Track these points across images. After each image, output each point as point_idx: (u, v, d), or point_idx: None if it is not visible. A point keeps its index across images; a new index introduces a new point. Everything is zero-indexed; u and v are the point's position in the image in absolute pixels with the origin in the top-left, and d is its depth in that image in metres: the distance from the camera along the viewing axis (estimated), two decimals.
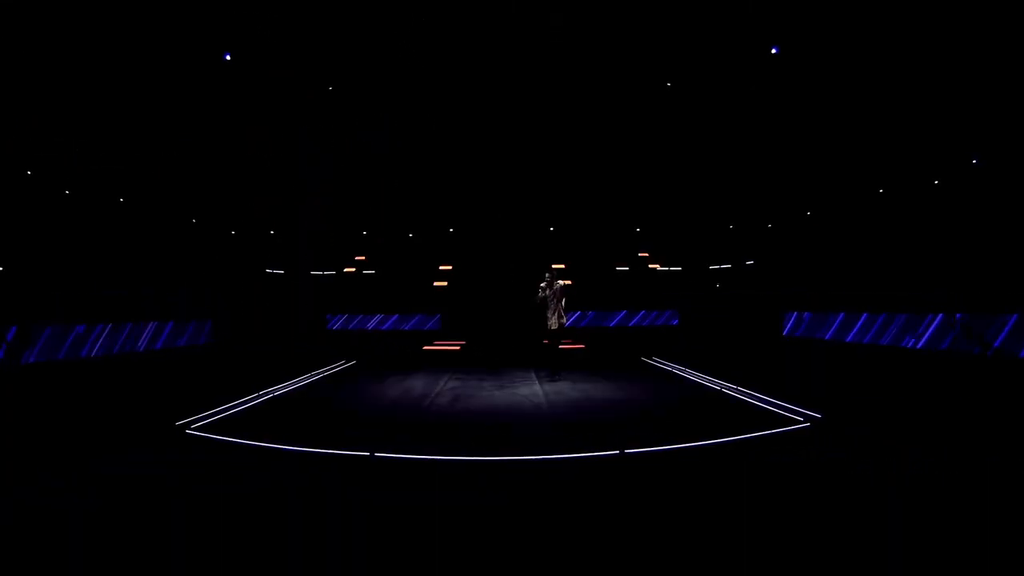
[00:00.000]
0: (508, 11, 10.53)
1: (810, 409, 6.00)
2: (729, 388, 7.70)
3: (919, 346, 12.13)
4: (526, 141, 16.36)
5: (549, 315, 9.13)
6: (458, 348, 15.76)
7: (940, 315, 11.84)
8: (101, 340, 12.97)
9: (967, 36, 10.30)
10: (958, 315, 11.48)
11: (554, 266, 10.08)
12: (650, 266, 21.85)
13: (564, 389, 8.02)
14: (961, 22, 10.03)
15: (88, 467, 4.41)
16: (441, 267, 22.09)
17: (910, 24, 10.48)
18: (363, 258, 22.50)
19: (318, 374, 9.75)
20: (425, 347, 15.87)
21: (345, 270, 22.40)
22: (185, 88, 11.41)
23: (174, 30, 9.35)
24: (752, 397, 6.99)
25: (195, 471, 4.35)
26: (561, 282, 9.10)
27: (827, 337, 15.08)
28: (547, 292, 9.09)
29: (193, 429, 5.61)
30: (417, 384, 8.63)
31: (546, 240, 21.82)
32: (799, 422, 5.63)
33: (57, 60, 9.78)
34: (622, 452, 4.62)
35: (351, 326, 21.38)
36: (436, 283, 21.79)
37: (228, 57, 10.01)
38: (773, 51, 11.10)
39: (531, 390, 8.00)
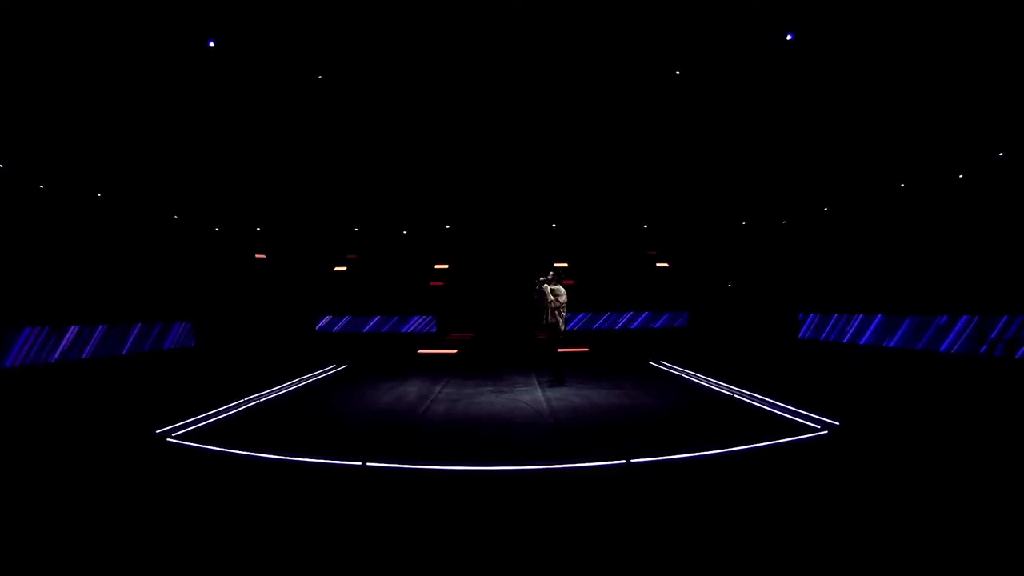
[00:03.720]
0: None
1: (828, 417, 5.61)
2: (742, 394, 7.27)
3: (955, 350, 11.44)
4: (527, 133, 15.81)
5: (548, 316, 8.63)
6: (455, 351, 15.25)
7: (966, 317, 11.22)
8: (68, 344, 12.50)
9: (997, 23, 9.70)
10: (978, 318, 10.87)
11: (557, 264, 9.61)
12: (658, 265, 21.22)
13: (567, 395, 7.59)
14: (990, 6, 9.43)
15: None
16: (437, 266, 21.50)
17: (935, 9, 9.89)
18: (354, 256, 21.87)
19: (305, 379, 9.26)
20: (420, 351, 15.35)
21: (335, 269, 21.75)
22: (166, 77, 10.94)
23: (156, 16, 8.92)
24: (766, 404, 6.56)
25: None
26: (564, 282, 8.64)
27: (846, 340, 14.47)
28: (546, 288, 8.60)
29: (174, 438, 5.18)
30: (411, 390, 8.18)
31: (548, 238, 21.26)
32: (816, 431, 5.26)
33: (32, 48, 9.36)
34: (629, 463, 4.33)
35: (342, 328, 20.72)
36: (432, 283, 21.20)
37: (212, 44, 9.54)
38: (788, 37, 10.51)
39: (532, 396, 7.55)
